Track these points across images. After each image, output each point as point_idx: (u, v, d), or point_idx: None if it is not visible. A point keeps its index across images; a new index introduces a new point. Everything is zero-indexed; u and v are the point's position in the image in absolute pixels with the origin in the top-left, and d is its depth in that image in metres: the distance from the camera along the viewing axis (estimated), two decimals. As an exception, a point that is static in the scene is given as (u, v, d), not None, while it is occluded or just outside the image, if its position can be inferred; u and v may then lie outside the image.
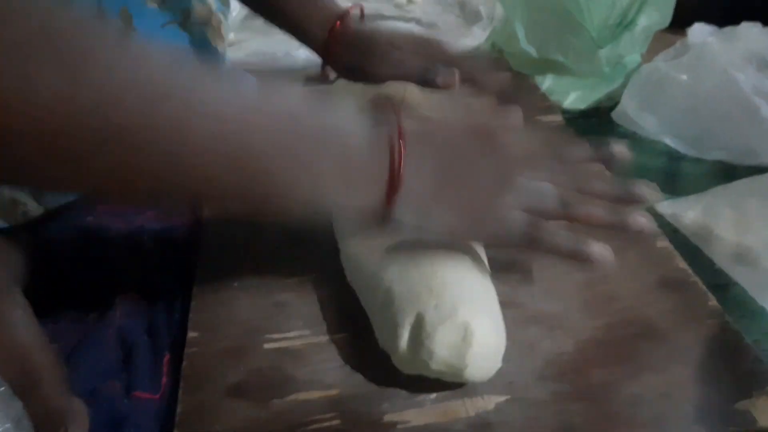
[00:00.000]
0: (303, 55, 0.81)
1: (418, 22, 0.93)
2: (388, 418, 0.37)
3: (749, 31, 0.59)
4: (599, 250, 0.38)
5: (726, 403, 0.38)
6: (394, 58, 0.59)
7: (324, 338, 0.42)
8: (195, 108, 0.32)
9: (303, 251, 0.49)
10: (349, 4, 0.62)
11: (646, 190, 0.41)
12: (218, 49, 0.64)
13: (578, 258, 0.38)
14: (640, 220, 0.39)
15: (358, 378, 0.39)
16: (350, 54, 0.60)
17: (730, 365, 0.40)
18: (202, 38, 0.62)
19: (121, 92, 0.30)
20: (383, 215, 0.38)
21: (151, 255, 0.51)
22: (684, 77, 0.56)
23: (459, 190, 0.39)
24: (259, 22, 0.89)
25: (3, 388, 0.30)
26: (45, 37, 0.28)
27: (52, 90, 0.28)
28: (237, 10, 0.87)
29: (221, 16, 0.67)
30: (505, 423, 0.37)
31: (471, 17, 0.92)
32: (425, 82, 0.56)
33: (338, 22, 0.60)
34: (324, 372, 0.40)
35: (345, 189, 0.37)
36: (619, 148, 0.42)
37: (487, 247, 0.45)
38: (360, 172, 0.37)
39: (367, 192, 0.37)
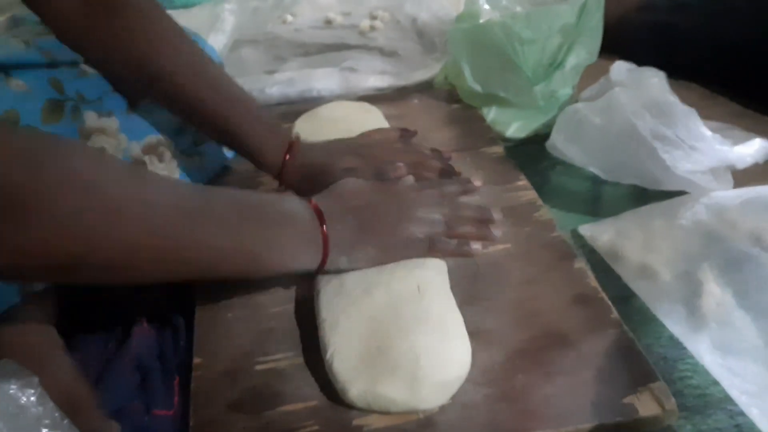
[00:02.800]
0: (276, 92, 0.91)
1: (381, 50, 1.02)
2: (355, 422, 0.48)
3: (651, 80, 0.70)
4: (476, 246, 0.57)
5: (616, 398, 0.48)
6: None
7: (303, 359, 0.53)
8: (206, 230, 0.47)
9: (287, 287, 0.59)
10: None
11: (496, 213, 0.60)
12: None
13: (464, 254, 0.57)
14: (495, 233, 0.59)
15: (332, 391, 0.49)
16: (301, 177, 0.65)
17: (622, 367, 0.51)
18: None
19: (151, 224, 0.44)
20: (319, 269, 0.54)
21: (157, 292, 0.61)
22: (598, 120, 0.67)
23: (373, 231, 0.55)
24: (234, 62, 0.99)
25: (65, 420, 0.40)
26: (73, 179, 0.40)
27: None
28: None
29: None
30: (447, 422, 0.48)
31: (428, 46, 1.01)
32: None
33: (287, 155, 0.65)
34: (304, 387, 0.50)
35: (299, 257, 0.53)
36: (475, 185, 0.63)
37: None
38: (305, 244, 0.53)
39: (311, 256, 0.54)
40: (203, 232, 0.47)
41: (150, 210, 0.44)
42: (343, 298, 0.53)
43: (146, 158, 0.64)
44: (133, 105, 0.64)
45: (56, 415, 0.41)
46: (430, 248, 0.56)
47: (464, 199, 0.61)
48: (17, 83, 0.55)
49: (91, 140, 0.59)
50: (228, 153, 0.75)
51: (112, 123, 0.61)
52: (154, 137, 0.65)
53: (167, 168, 0.66)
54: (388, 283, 0.53)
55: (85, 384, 0.50)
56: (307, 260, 0.54)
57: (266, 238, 0.51)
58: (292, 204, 0.54)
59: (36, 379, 0.40)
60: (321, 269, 0.54)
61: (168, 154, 0.66)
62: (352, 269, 0.55)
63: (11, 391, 0.38)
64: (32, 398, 0.39)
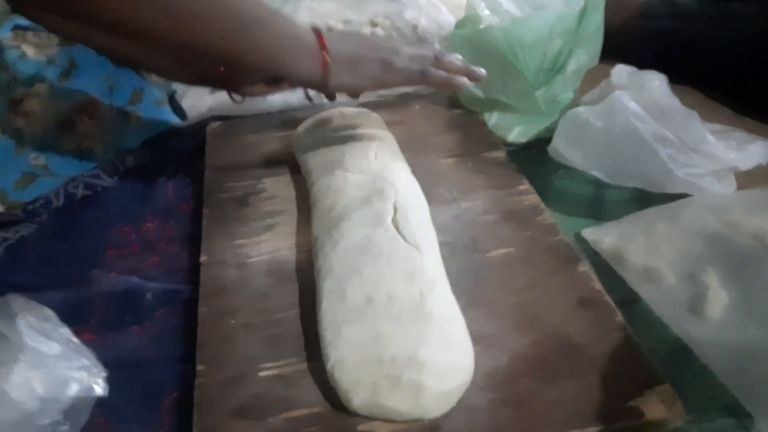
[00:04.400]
0: (278, 99, 0.91)
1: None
2: (359, 428, 0.48)
3: (652, 82, 0.70)
4: (462, 80, 0.65)
5: (622, 401, 0.48)
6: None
7: (308, 365, 0.52)
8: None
9: (288, 292, 0.59)
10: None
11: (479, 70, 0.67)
12: None
13: (451, 85, 0.64)
14: (465, 80, 0.65)
15: (336, 398, 0.49)
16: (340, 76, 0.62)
17: (628, 370, 0.51)
18: None
19: None
20: (324, 81, 0.60)
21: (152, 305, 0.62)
22: (599, 124, 0.67)
23: (373, 52, 0.62)
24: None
25: None
26: None
27: None
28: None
29: None
30: (452, 427, 0.47)
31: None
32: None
33: (324, 54, 0.61)
34: (309, 394, 0.50)
35: (296, 62, 0.59)
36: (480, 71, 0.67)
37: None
38: (306, 53, 0.59)
39: (311, 67, 0.59)
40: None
41: None
42: (345, 307, 0.53)
43: (75, 116, 0.69)
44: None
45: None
46: (423, 75, 0.63)
47: None
48: None
49: (22, 105, 0.65)
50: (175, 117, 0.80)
51: (41, 88, 0.67)
52: (84, 96, 0.70)
53: (99, 126, 0.70)
54: (390, 291, 0.53)
55: None
56: (304, 66, 0.59)
57: (266, 23, 0.57)
58: (296, 22, 0.60)
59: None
60: (326, 83, 0.60)
61: (100, 112, 0.70)
62: (358, 86, 0.63)
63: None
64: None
